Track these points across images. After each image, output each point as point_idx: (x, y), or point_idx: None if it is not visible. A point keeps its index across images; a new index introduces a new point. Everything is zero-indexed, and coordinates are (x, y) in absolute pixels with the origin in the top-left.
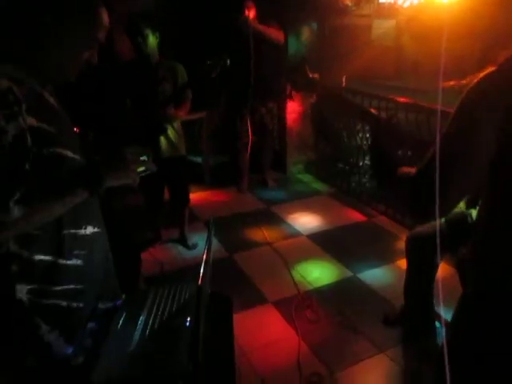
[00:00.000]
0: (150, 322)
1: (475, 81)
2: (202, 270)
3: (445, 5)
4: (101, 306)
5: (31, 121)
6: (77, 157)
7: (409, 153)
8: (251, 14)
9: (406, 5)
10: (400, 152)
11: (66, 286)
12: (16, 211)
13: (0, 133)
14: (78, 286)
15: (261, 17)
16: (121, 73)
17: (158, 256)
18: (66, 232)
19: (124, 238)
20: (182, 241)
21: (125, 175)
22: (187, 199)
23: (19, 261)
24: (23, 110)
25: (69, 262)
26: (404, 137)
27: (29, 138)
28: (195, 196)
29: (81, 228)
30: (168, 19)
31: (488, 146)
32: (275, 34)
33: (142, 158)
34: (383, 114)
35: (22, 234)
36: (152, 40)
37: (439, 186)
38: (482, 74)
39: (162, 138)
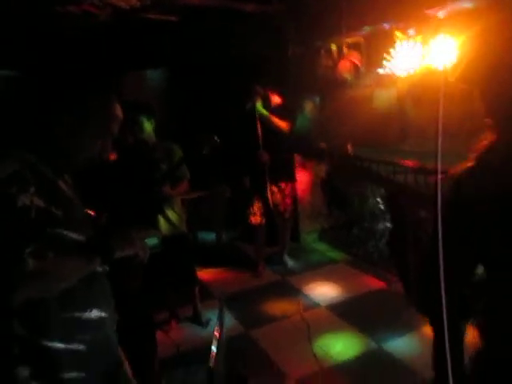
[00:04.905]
0: None
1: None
2: (213, 351)
3: (441, 71)
4: None
5: (38, 202)
6: (82, 238)
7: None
8: (258, 100)
9: (403, 75)
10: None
11: (66, 374)
12: (31, 263)
13: (11, 199)
14: (80, 374)
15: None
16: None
17: (172, 336)
18: (68, 315)
19: (137, 320)
20: (196, 318)
21: (129, 246)
22: (194, 280)
23: (21, 344)
24: (31, 190)
25: (70, 347)
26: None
27: (33, 213)
28: (208, 273)
29: (85, 311)
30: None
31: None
32: (283, 125)
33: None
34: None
35: (26, 314)
36: (147, 126)
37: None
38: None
39: (161, 218)
